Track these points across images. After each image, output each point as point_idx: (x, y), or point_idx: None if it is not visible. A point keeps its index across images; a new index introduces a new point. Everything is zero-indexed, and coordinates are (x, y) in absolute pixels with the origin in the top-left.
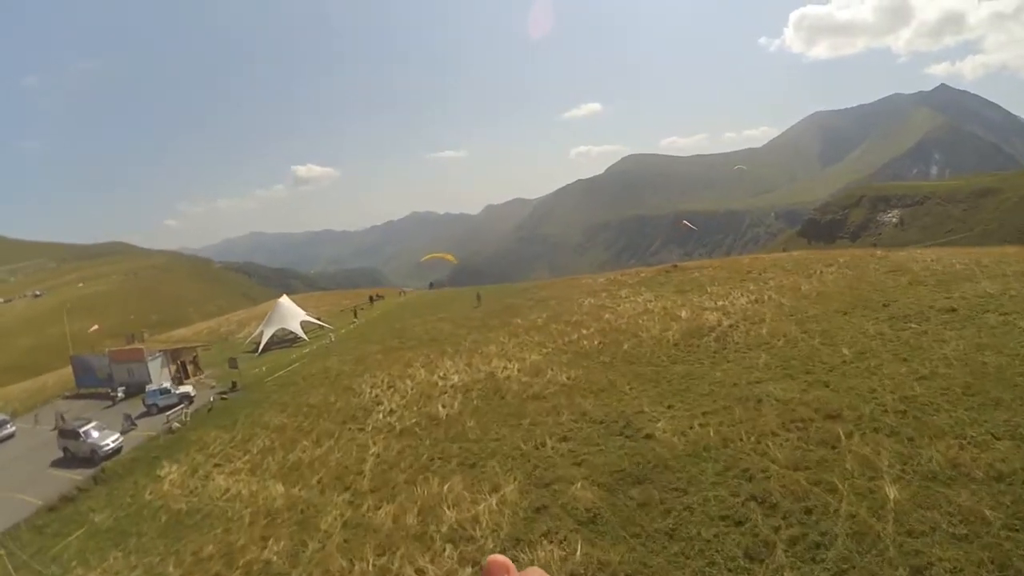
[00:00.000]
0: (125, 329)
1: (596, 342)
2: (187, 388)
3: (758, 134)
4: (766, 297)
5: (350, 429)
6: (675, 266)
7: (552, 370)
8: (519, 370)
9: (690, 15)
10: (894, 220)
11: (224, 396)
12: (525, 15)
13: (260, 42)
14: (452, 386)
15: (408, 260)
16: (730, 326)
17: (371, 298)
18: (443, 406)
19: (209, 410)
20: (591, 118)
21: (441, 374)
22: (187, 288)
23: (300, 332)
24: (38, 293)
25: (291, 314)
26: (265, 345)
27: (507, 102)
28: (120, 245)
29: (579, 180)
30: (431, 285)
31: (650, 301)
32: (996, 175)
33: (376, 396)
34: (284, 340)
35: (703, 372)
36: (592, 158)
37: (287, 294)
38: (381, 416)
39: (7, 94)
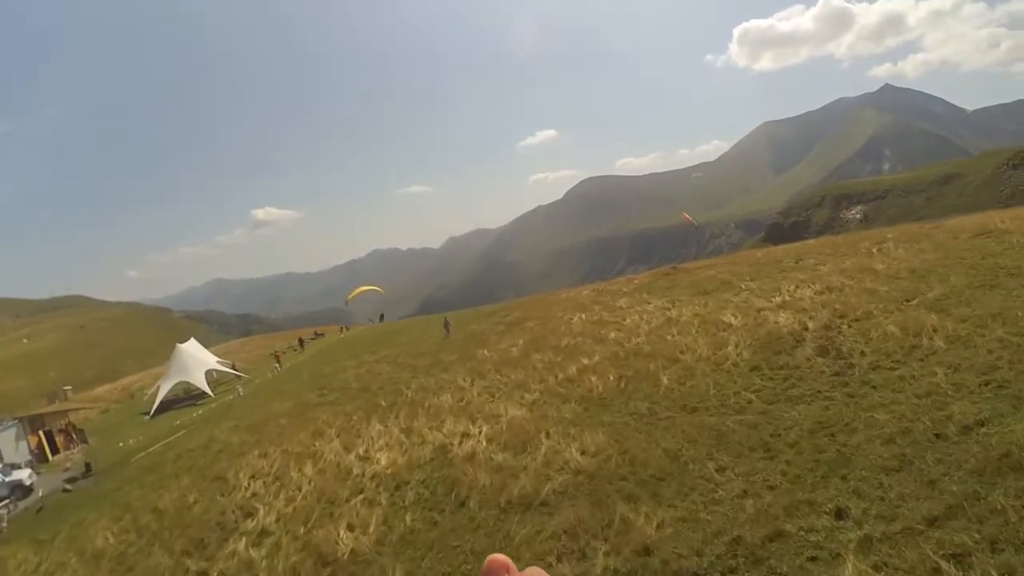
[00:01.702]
0: (53, 386)
1: (612, 377)
2: (20, 475)
3: (711, 148)
4: (837, 284)
5: (186, 572)
6: (675, 267)
7: (549, 436)
8: (491, 439)
9: (638, 37)
10: (858, 216)
11: (68, 487)
12: (481, 45)
13: (211, 83)
14: (374, 477)
15: (374, 299)
16: (825, 328)
17: (300, 340)
18: (349, 529)
19: (39, 510)
20: (546, 145)
21: (362, 450)
22: (137, 340)
23: (204, 386)
24: None
25: (195, 363)
26: (161, 404)
27: (466, 135)
28: (77, 298)
29: (539, 206)
30: (381, 318)
31: (668, 308)
32: (954, 162)
33: (252, 496)
34: (189, 396)
35: (847, 415)
36: (550, 184)
37: (189, 341)
38: (242, 545)
39: None
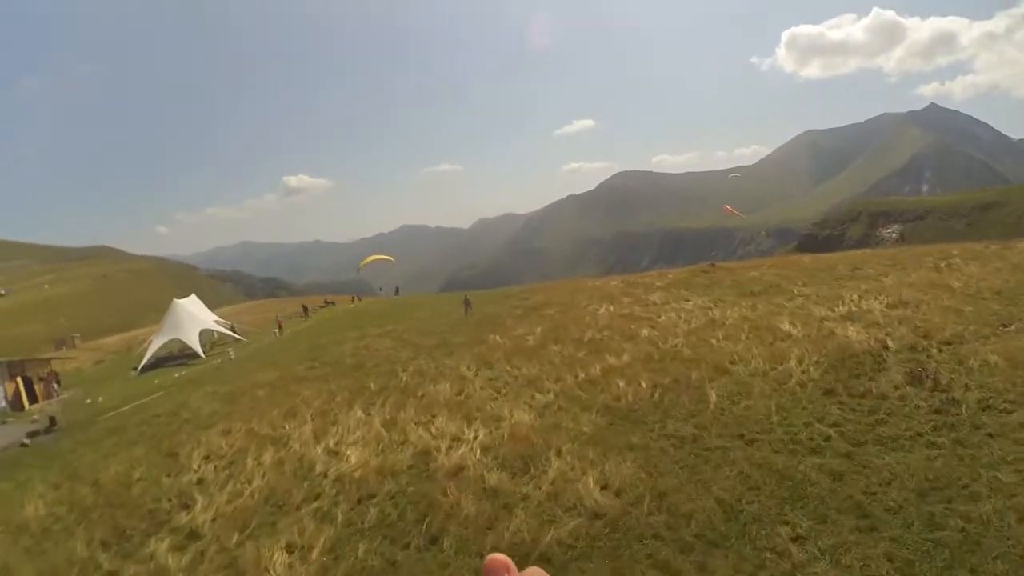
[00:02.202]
0: (63, 332)
1: (645, 384)
2: None
3: (749, 153)
4: (910, 299)
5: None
6: (713, 265)
7: (561, 455)
8: (486, 449)
9: (683, 33)
10: (894, 235)
11: (27, 441)
12: (523, 30)
13: (254, 50)
14: (338, 480)
15: (398, 272)
16: (910, 349)
17: (304, 308)
18: (288, 551)
19: None
20: (583, 135)
21: (333, 442)
22: (159, 294)
23: (196, 346)
24: (2, 292)
25: (191, 321)
26: (149, 362)
27: (501, 117)
28: (106, 249)
29: (571, 196)
30: (397, 291)
31: (709, 308)
32: (997, 189)
33: (198, 482)
34: (182, 355)
35: (961, 473)
36: (583, 174)
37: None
38: (164, 547)
39: (4, 94)
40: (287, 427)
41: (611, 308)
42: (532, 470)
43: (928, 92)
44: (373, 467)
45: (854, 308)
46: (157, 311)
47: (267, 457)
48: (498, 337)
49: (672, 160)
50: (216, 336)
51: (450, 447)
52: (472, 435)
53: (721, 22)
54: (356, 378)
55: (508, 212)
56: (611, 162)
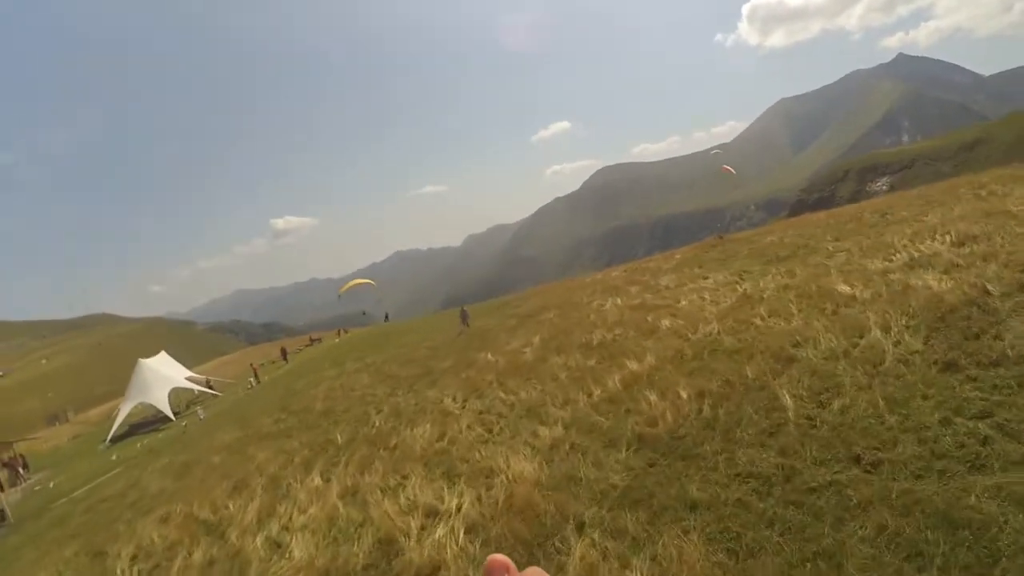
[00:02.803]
0: (55, 408)
1: (685, 394)
2: None
3: (726, 130)
4: (978, 233)
5: None
6: (721, 237)
7: (584, 533)
8: (471, 529)
9: (644, 22)
10: (884, 188)
11: None
12: (488, 41)
13: (225, 98)
14: None
15: (396, 299)
16: (1019, 288)
17: (283, 351)
18: None
19: None
20: (561, 136)
21: (277, 528)
22: (152, 354)
23: (166, 408)
24: (1, 373)
25: (157, 381)
26: (119, 431)
27: (477, 132)
28: (102, 316)
29: (556, 198)
30: (386, 317)
31: (737, 282)
32: (978, 126)
33: None
34: (156, 419)
35: None
36: (567, 175)
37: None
38: None
39: None
40: (231, 507)
41: (618, 301)
42: (542, 561)
43: (894, 43)
44: (319, 568)
45: (915, 254)
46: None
47: (198, 555)
48: (489, 355)
49: (653, 148)
50: (197, 393)
51: (423, 528)
52: (454, 504)
53: (681, 5)
54: (323, 429)
55: (497, 224)
56: (593, 159)
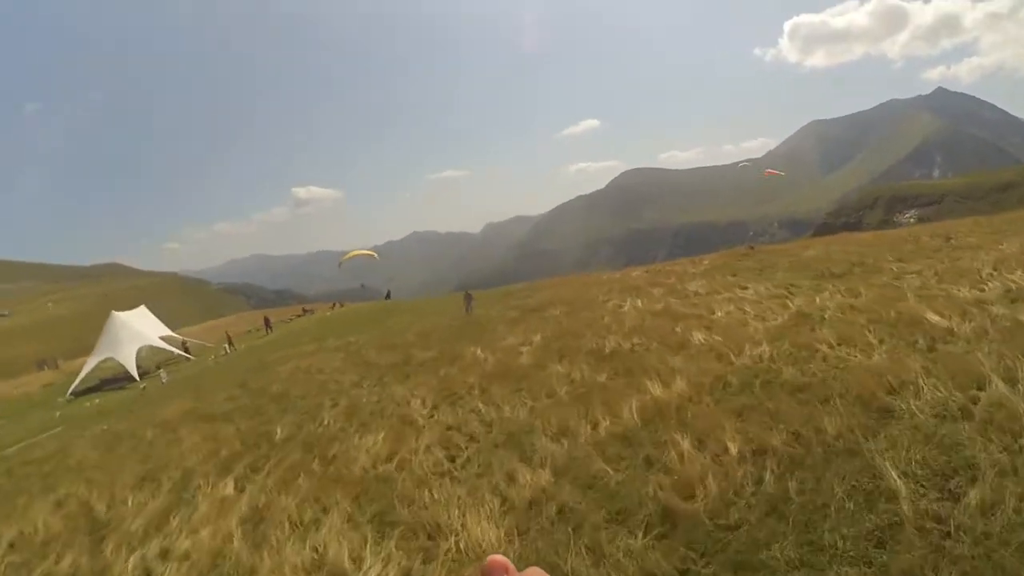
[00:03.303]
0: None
1: (736, 449)
2: None
3: (757, 145)
4: None
5: None
6: (752, 247)
7: None
8: None
9: (685, 28)
10: (912, 220)
11: None
12: (526, 32)
13: (256, 64)
14: None
15: (409, 279)
16: None
17: (266, 320)
18: None
19: None
20: (590, 134)
21: (158, 547)
22: (164, 309)
23: (132, 366)
24: (5, 313)
25: (128, 337)
26: (81, 386)
27: (507, 120)
28: (116, 266)
29: (579, 196)
30: (388, 295)
31: (783, 297)
32: (1014, 169)
33: None
34: (124, 376)
35: None
36: (591, 174)
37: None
38: None
39: (12, 117)
40: (128, 503)
41: (639, 303)
42: None
43: (935, 76)
44: None
45: (1011, 284)
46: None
47: (66, 563)
48: (479, 350)
49: (681, 156)
50: (171, 355)
51: None
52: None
53: (723, 15)
54: (267, 418)
55: (518, 215)
56: (619, 161)
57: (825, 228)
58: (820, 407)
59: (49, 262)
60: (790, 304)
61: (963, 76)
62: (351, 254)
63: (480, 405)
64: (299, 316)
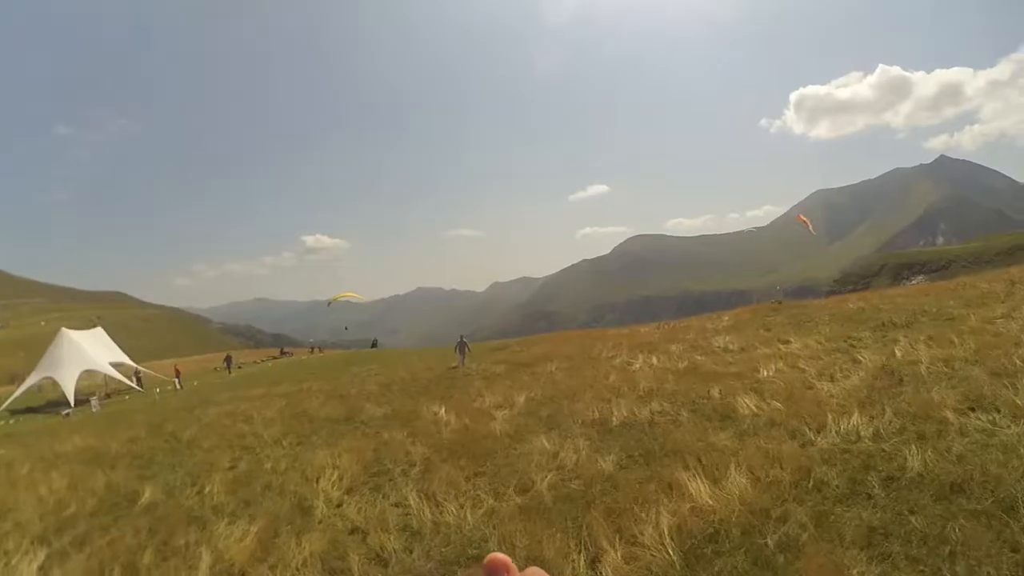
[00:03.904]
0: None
1: None
2: None
3: (761, 214)
4: None
5: None
6: (780, 303)
7: None
8: None
9: (693, 98)
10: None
11: None
12: (539, 99)
13: (278, 112)
14: None
15: (410, 333)
16: None
17: (227, 359)
18: None
19: None
20: (597, 200)
21: None
22: (163, 341)
23: (69, 389)
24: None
25: (73, 358)
26: (25, 403)
27: (516, 184)
28: (121, 295)
29: (585, 260)
30: (374, 344)
31: (843, 351)
32: (1018, 233)
33: None
34: (62, 401)
35: None
36: (597, 239)
37: None
38: None
39: (40, 142)
40: None
41: (653, 360)
42: None
43: (937, 145)
44: None
45: None
46: (136, 355)
47: None
48: (442, 411)
49: (687, 223)
50: (124, 384)
51: None
52: None
53: (731, 87)
54: (151, 470)
55: (523, 276)
56: (625, 226)
57: (833, 295)
58: (1008, 520)
59: (60, 284)
60: (861, 358)
61: (966, 144)
62: (340, 295)
63: (412, 496)
64: (275, 358)
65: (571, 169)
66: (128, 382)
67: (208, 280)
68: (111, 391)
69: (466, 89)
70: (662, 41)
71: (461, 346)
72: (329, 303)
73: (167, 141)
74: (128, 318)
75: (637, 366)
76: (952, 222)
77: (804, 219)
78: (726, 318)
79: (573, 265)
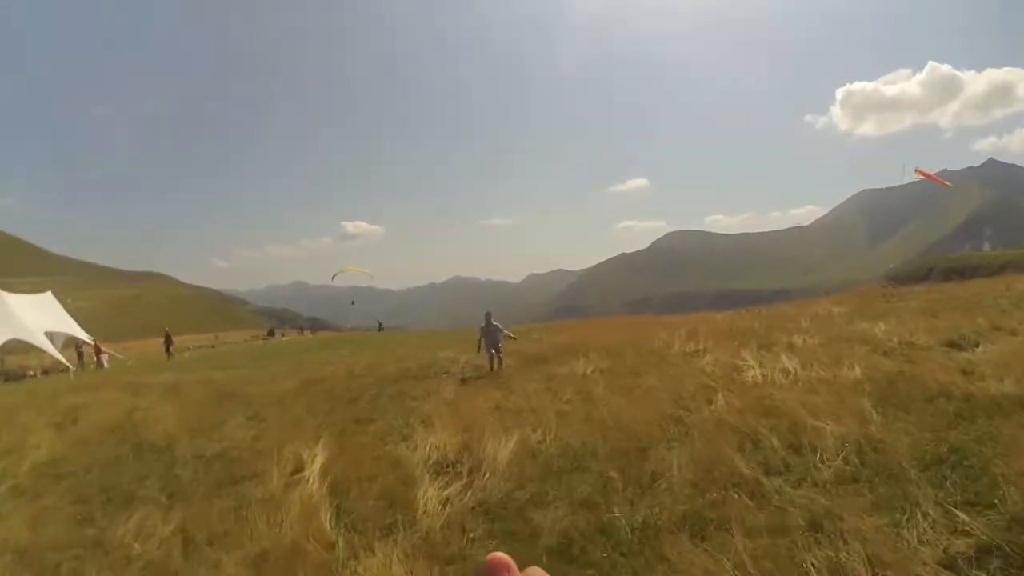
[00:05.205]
0: None
1: None
2: None
3: (804, 213)
4: None
5: None
6: (894, 288)
7: None
8: None
9: (737, 92)
10: None
11: None
12: (580, 91)
13: (313, 100)
14: None
15: (443, 322)
16: None
17: (167, 338)
18: None
19: None
20: (637, 193)
21: None
22: (180, 318)
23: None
24: None
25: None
26: None
27: (556, 175)
28: (157, 275)
29: (622, 254)
30: (380, 327)
31: None
32: None
33: None
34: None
35: None
36: (636, 233)
37: None
38: None
39: (82, 121)
40: None
41: (785, 362)
42: None
43: (986, 146)
44: None
45: None
46: (156, 331)
47: None
48: (309, 470)
49: (727, 221)
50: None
51: None
52: None
53: (772, 80)
54: None
55: (559, 268)
56: (664, 221)
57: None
58: None
59: (95, 262)
60: None
61: (1015, 147)
62: (344, 269)
63: None
64: (264, 339)
65: (609, 162)
66: (59, 356)
67: (248, 262)
68: (48, 368)
69: (512, 76)
70: (707, 34)
71: (489, 333)
72: (333, 277)
73: (209, 122)
74: (159, 297)
75: (755, 373)
76: (998, 227)
77: (927, 173)
78: (830, 304)
79: (610, 259)
